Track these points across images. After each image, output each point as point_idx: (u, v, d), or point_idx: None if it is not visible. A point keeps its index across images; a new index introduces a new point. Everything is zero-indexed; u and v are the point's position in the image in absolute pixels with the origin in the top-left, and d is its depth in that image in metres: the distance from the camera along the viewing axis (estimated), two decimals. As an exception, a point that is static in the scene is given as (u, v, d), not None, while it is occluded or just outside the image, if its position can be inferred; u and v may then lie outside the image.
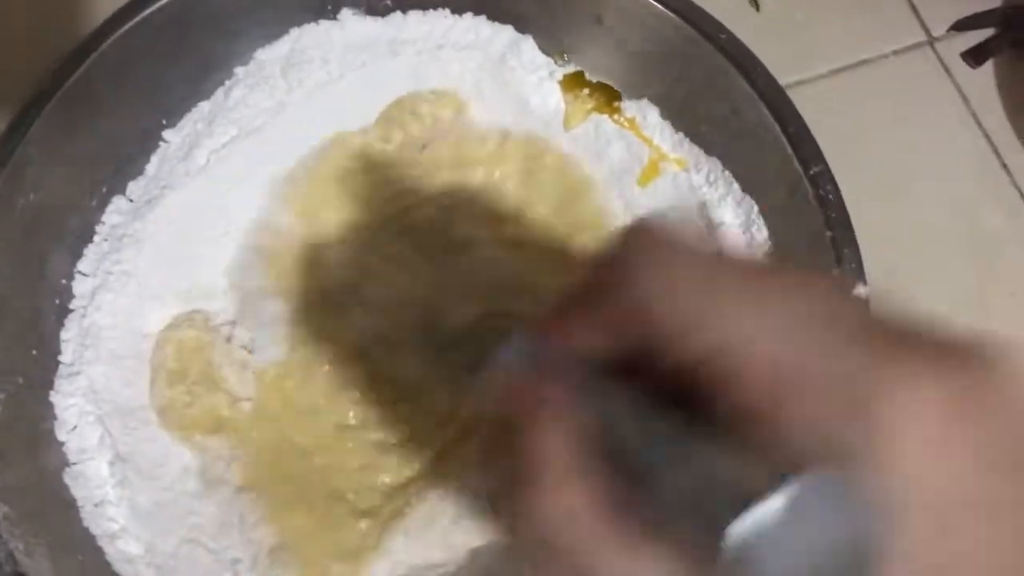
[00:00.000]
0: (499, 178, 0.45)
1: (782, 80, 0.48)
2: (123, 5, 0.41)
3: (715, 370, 0.17)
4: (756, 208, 0.42)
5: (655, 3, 0.40)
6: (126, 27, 0.41)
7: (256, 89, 0.44)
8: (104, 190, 0.42)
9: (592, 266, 0.19)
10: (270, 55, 0.44)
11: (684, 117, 0.44)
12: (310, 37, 0.44)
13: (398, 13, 0.45)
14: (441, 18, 0.45)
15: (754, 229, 0.42)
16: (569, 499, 0.17)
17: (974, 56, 0.51)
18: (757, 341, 0.16)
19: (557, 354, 0.19)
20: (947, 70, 0.52)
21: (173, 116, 0.44)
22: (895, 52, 0.52)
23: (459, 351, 0.41)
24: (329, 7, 0.44)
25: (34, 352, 0.39)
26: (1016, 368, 0.16)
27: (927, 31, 0.52)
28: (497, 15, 0.44)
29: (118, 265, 0.41)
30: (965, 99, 0.51)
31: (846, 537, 0.14)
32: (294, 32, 0.44)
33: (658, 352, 0.17)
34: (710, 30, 0.40)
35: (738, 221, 0.43)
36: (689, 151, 0.44)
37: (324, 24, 0.45)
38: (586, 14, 0.43)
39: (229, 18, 0.43)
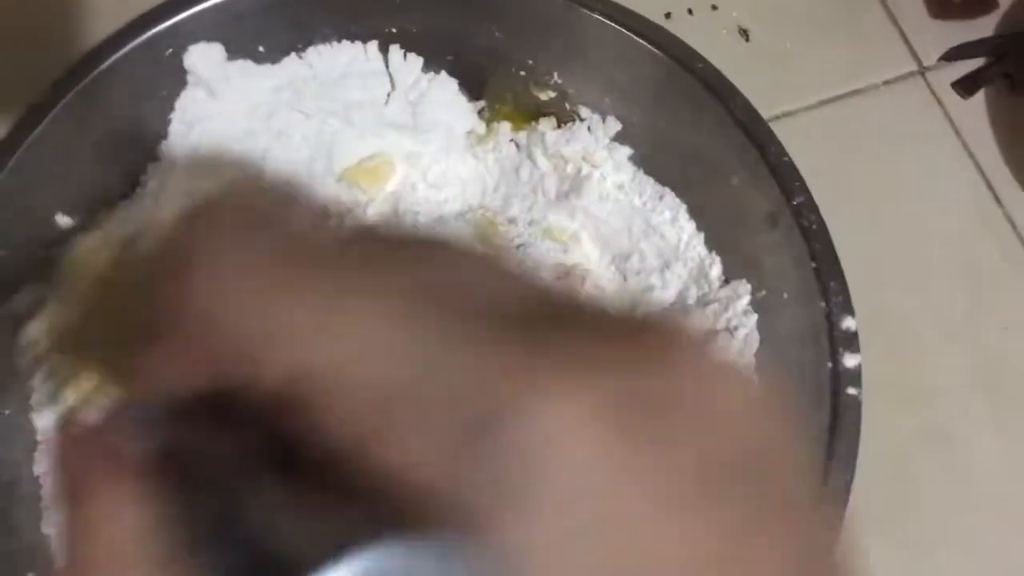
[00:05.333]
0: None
1: (771, 111, 0.48)
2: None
3: (296, 400, 0.13)
4: (684, 208, 0.43)
5: (631, 34, 0.40)
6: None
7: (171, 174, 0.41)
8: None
9: (152, 282, 0.15)
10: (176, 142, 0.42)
11: (663, 146, 0.43)
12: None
13: (294, 55, 0.43)
14: (344, 49, 0.43)
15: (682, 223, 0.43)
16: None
17: (965, 86, 0.51)
18: (349, 360, 0.12)
19: (130, 406, 0.16)
20: (938, 100, 0.51)
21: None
22: (886, 82, 0.52)
23: None
24: (300, 46, 0.43)
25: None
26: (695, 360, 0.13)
27: (918, 61, 0.52)
28: (471, 50, 0.44)
29: None
30: (956, 130, 0.51)
31: None
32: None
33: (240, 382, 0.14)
34: (687, 60, 0.40)
35: (668, 216, 0.43)
36: (612, 155, 0.44)
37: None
38: (561, 46, 0.43)
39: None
